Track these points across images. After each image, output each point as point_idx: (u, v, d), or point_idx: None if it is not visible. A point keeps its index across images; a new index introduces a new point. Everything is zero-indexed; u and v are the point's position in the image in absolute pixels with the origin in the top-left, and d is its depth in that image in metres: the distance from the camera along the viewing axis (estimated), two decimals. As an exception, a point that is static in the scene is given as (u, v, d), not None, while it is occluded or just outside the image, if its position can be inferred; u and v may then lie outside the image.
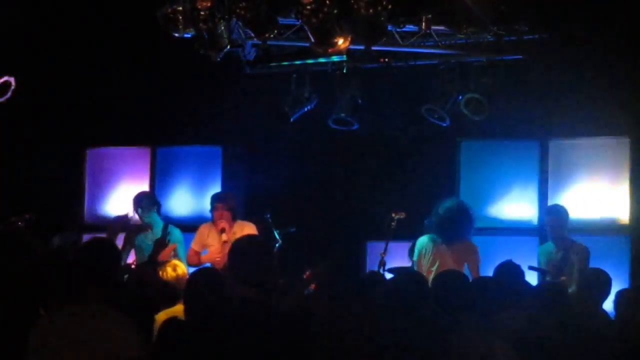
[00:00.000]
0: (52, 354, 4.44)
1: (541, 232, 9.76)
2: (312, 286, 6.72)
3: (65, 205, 10.46)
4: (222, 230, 8.72)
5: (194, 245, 8.97)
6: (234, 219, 8.82)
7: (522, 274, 6.75)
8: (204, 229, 9.01)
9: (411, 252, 8.67)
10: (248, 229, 8.68)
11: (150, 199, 9.25)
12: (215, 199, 8.99)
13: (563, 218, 8.70)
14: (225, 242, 8.62)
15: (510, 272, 6.65)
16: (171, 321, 4.81)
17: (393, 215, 8.54)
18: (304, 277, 6.84)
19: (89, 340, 4.43)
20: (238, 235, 8.60)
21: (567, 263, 8.38)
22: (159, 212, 9.21)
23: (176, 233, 9.00)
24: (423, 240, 8.52)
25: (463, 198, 9.99)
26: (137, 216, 9.07)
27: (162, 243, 8.02)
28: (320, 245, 9.39)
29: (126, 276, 6.99)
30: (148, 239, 8.93)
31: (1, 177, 10.18)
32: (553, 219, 8.71)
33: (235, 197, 9.11)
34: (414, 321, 4.83)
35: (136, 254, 8.95)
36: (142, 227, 9.01)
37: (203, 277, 5.65)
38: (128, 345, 4.44)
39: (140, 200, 9.13)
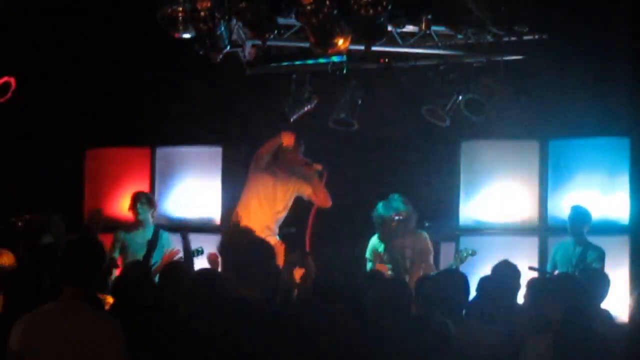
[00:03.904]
0: (34, 351, 4.45)
1: (541, 232, 9.78)
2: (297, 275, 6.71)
3: (65, 205, 10.45)
4: (310, 163, 8.75)
5: None
6: None
7: (518, 274, 6.75)
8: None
9: None
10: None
11: (149, 199, 9.29)
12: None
13: (583, 218, 8.91)
14: (320, 170, 8.74)
15: (506, 272, 6.65)
16: (172, 320, 4.82)
17: (393, 215, 8.56)
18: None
19: (70, 338, 4.44)
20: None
21: (584, 260, 8.63)
22: (153, 214, 9.23)
23: (165, 236, 9.04)
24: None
25: (463, 198, 10.03)
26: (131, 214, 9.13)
27: (153, 244, 8.10)
28: (320, 246, 9.39)
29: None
30: (138, 238, 8.97)
31: (1, 177, 10.18)
32: (574, 218, 8.90)
33: None
34: (412, 321, 4.84)
35: (122, 253, 8.95)
36: (130, 226, 9.05)
37: (203, 277, 5.64)
38: (108, 343, 4.43)
39: (139, 198, 9.17)
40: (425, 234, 8.81)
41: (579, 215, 8.92)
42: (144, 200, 9.17)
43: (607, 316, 6.53)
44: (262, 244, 4.75)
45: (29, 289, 5.55)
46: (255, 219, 8.66)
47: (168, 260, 8.29)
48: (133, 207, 9.12)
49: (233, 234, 7.19)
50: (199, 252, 8.39)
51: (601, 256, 8.73)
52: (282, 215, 8.93)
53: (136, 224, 9.11)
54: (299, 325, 4.62)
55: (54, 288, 5.54)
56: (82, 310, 4.53)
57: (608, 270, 8.46)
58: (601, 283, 6.79)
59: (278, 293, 5.98)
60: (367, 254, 8.63)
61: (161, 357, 4.69)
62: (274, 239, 8.46)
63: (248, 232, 6.94)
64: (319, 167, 8.75)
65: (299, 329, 4.58)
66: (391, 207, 8.60)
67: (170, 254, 8.51)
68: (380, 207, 8.71)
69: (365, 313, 5.10)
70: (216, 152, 10.52)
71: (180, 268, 6.61)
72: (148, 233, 9.05)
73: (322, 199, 8.85)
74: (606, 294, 6.74)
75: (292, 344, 4.45)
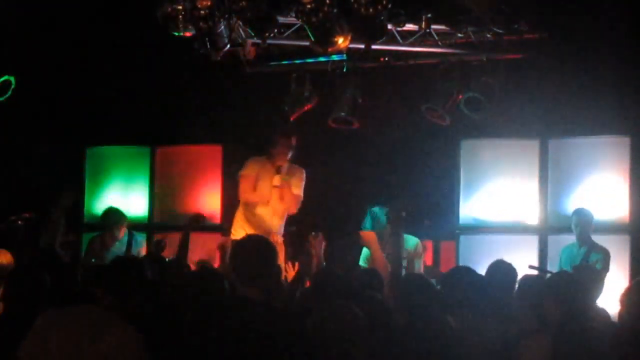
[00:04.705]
0: (47, 351, 4.44)
1: (541, 230, 9.79)
2: (307, 284, 6.71)
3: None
4: (279, 170, 8.60)
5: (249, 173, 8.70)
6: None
7: (514, 273, 6.73)
8: (256, 164, 8.76)
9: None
10: (299, 173, 8.71)
11: (123, 214, 9.42)
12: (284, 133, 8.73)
13: (587, 220, 8.95)
14: (275, 186, 8.59)
15: (502, 271, 6.63)
16: (173, 320, 4.81)
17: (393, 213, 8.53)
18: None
19: (86, 341, 4.42)
20: (291, 174, 8.62)
21: (589, 260, 8.66)
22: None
23: (139, 238, 9.30)
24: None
25: (463, 196, 10.02)
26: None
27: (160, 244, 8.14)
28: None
29: None
30: (117, 249, 9.00)
31: (1, 175, 10.17)
32: (578, 220, 8.93)
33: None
34: (420, 320, 4.83)
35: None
36: (107, 242, 9.09)
37: (204, 276, 5.64)
38: (126, 351, 4.43)
39: (121, 216, 9.29)
40: (415, 240, 8.72)
41: (584, 218, 8.95)
42: (123, 216, 9.26)
43: (604, 315, 6.53)
44: (263, 243, 4.73)
45: (29, 289, 5.54)
46: (261, 218, 8.65)
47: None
48: (113, 226, 9.16)
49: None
50: (160, 245, 8.43)
51: (605, 257, 8.75)
52: (286, 213, 8.89)
53: (114, 241, 9.14)
54: (300, 325, 4.61)
55: (54, 288, 5.55)
56: (107, 318, 4.50)
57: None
58: (594, 280, 6.80)
59: (279, 292, 6.00)
60: (362, 262, 8.55)
61: (160, 356, 4.68)
62: (278, 238, 8.45)
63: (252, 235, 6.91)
64: (277, 182, 8.66)
65: (299, 328, 4.57)
66: (382, 212, 8.56)
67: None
68: (377, 211, 8.65)
69: (367, 311, 5.09)
70: (216, 150, 10.51)
71: (180, 267, 6.63)
72: (123, 240, 9.12)
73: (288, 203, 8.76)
74: (600, 291, 6.75)
75: (293, 343, 4.44)
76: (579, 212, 9.01)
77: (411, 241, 8.68)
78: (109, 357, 4.37)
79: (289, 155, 8.68)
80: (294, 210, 8.73)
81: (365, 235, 8.03)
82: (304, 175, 8.81)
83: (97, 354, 4.37)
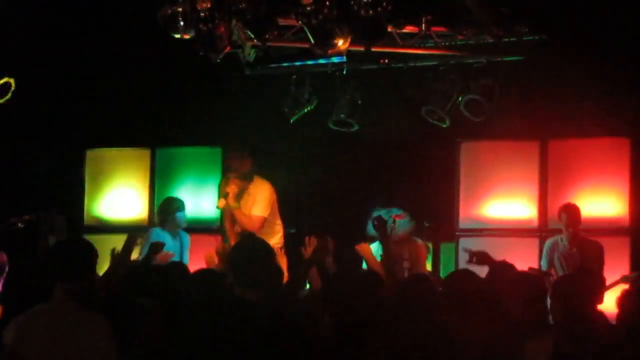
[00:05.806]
0: (26, 353, 4.45)
1: (541, 233, 9.78)
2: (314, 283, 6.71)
3: (65, 206, 10.44)
4: (226, 195, 8.51)
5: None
6: (245, 178, 8.61)
7: (515, 274, 6.73)
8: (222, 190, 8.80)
9: None
10: (260, 191, 8.60)
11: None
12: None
13: (578, 218, 8.84)
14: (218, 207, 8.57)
15: (503, 272, 6.64)
16: (171, 321, 4.82)
17: (393, 217, 8.54)
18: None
19: (61, 340, 4.44)
20: (253, 193, 8.53)
21: (582, 258, 8.61)
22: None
23: (185, 238, 9.06)
24: None
25: (463, 198, 10.02)
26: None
27: (156, 247, 8.08)
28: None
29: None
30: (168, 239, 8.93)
31: (1, 178, 10.17)
32: (567, 217, 8.83)
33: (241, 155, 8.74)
34: (420, 321, 4.84)
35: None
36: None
37: (204, 278, 5.63)
38: (98, 342, 4.44)
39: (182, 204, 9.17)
40: (420, 242, 8.71)
41: (574, 217, 8.87)
42: (183, 203, 9.15)
43: (603, 317, 6.53)
44: (261, 244, 4.74)
45: (29, 290, 5.54)
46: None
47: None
48: (177, 212, 9.03)
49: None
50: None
51: (599, 253, 8.71)
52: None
53: (177, 231, 9.04)
54: (299, 325, 4.62)
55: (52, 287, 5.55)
56: (72, 309, 4.52)
57: (608, 270, 8.50)
58: (595, 284, 6.78)
59: (278, 293, 5.99)
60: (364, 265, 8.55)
61: (159, 356, 4.69)
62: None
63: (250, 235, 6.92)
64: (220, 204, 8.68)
65: (298, 329, 4.58)
66: (390, 211, 8.55)
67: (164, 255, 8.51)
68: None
69: (366, 312, 5.09)
70: (216, 152, 10.51)
71: (181, 268, 6.61)
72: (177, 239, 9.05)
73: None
74: (601, 294, 6.74)
75: (291, 344, 4.44)
76: (569, 210, 8.93)
77: (417, 243, 8.70)
78: (87, 345, 4.39)
79: (237, 174, 8.58)
80: (253, 230, 8.37)
81: (361, 248, 8.04)
82: (267, 190, 8.64)
83: (75, 344, 4.39)
